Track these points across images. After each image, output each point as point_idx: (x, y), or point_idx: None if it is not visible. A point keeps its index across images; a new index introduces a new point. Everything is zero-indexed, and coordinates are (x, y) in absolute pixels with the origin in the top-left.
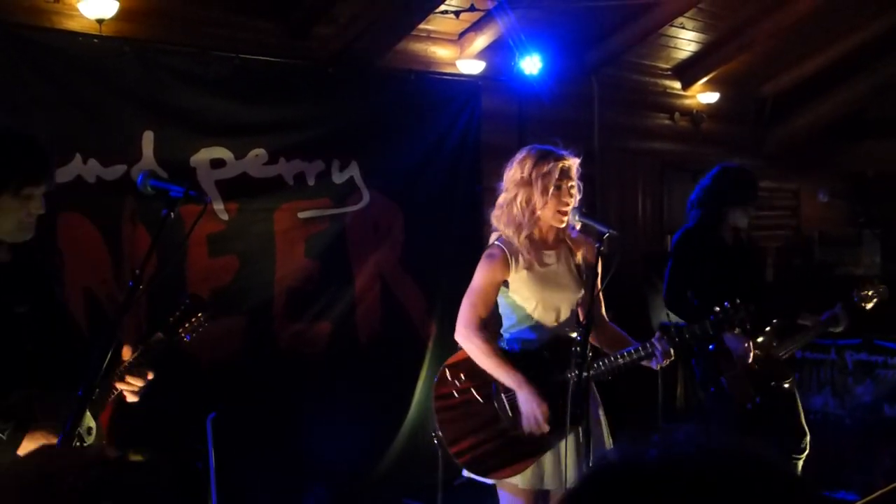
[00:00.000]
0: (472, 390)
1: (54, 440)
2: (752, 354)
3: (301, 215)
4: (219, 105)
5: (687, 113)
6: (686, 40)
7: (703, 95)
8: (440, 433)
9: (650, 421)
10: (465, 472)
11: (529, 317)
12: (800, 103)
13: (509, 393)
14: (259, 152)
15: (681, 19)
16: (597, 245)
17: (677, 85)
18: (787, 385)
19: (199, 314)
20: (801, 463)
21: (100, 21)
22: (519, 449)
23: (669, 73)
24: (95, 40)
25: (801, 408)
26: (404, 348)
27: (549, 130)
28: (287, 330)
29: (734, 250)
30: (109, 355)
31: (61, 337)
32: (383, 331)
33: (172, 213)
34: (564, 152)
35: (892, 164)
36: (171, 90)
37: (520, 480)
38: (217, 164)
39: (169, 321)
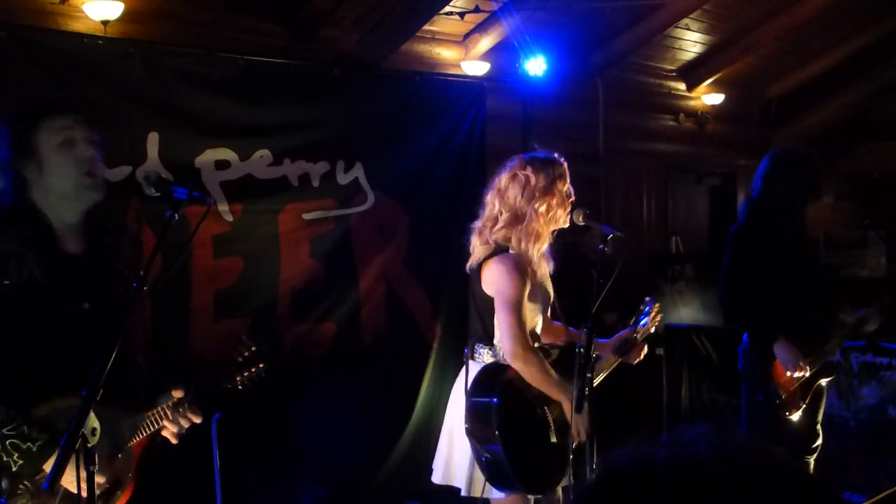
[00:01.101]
0: (529, 408)
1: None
2: (802, 366)
3: (306, 216)
4: (224, 106)
5: (692, 114)
6: (691, 42)
7: (708, 97)
8: (503, 455)
9: (655, 422)
10: (434, 479)
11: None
12: (805, 105)
13: (550, 405)
14: (264, 153)
15: (685, 21)
16: (601, 246)
17: (682, 86)
18: (826, 382)
19: (261, 364)
20: (811, 462)
21: (105, 22)
22: (559, 463)
23: (674, 74)
24: (100, 42)
25: (822, 409)
26: (409, 349)
27: (554, 132)
28: (291, 331)
29: (794, 243)
30: (114, 356)
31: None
32: (388, 332)
33: (177, 215)
34: (559, 155)
35: None
36: (175, 91)
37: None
38: (222, 165)
39: (230, 368)
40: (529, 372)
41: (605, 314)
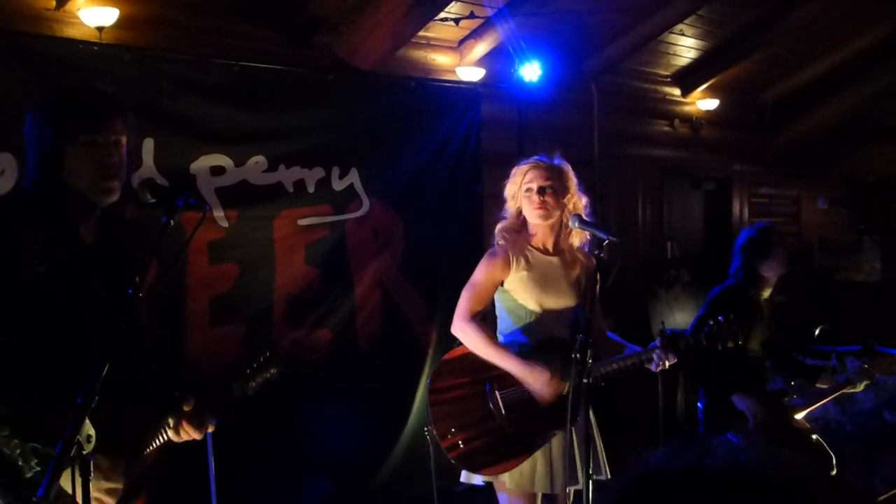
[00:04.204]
0: (467, 386)
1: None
2: (761, 413)
3: (301, 222)
4: (219, 112)
5: (686, 119)
6: (686, 47)
7: (703, 102)
8: (433, 427)
9: (650, 428)
10: (464, 477)
11: (526, 319)
12: (800, 109)
13: (504, 391)
14: (259, 159)
15: (680, 26)
16: (596, 252)
17: (677, 91)
18: (814, 437)
19: (273, 370)
20: None
21: (100, 29)
22: (509, 448)
23: (669, 79)
24: (95, 48)
25: (815, 435)
26: (404, 355)
27: (549, 137)
28: (287, 337)
29: (763, 310)
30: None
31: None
32: (383, 338)
33: (172, 221)
34: (540, 157)
35: (891, 170)
36: (171, 97)
37: (508, 480)
38: (217, 171)
39: (246, 372)
40: (467, 340)
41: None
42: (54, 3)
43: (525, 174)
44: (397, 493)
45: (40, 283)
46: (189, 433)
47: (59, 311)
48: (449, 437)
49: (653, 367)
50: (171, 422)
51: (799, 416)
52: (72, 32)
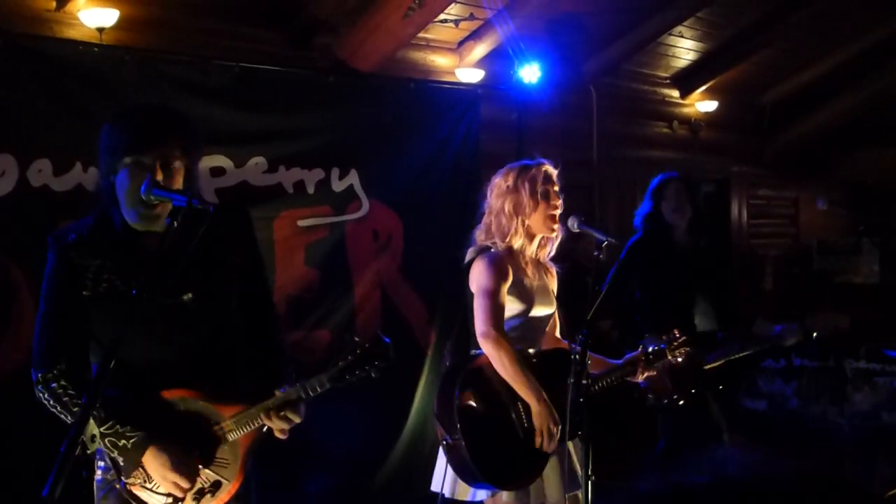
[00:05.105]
0: (494, 398)
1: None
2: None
3: (301, 223)
4: (219, 114)
5: (685, 121)
6: (685, 49)
7: (702, 104)
8: (461, 439)
9: (647, 431)
10: (434, 487)
11: (515, 328)
12: (799, 112)
13: (523, 400)
14: (259, 160)
15: (679, 28)
16: (595, 253)
17: (676, 93)
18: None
19: (377, 363)
20: None
21: (100, 30)
22: (529, 463)
23: (668, 81)
24: (96, 49)
25: (713, 402)
26: (404, 357)
27: (548, 139)
28: (286, 338)
29: (689, 256)
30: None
31: (224, 328)
32: None
33: (175, 223)
34: (543, 160)
35: (891, 173)
36: (171, 99)
37: (506, 494)
38: (217, 172)
39: (338, 364)
40: (499, 357)
41: (600, 321)
42: (54, 4)
43: (545, 171)
44: (397, 494)
45: (97, 306)
46: (280, 422)
47: (119, 327)
48: (480, 451)
49: (636, 379)
50: (264, 409)
51: (710, 366)
52: (72, 34)
